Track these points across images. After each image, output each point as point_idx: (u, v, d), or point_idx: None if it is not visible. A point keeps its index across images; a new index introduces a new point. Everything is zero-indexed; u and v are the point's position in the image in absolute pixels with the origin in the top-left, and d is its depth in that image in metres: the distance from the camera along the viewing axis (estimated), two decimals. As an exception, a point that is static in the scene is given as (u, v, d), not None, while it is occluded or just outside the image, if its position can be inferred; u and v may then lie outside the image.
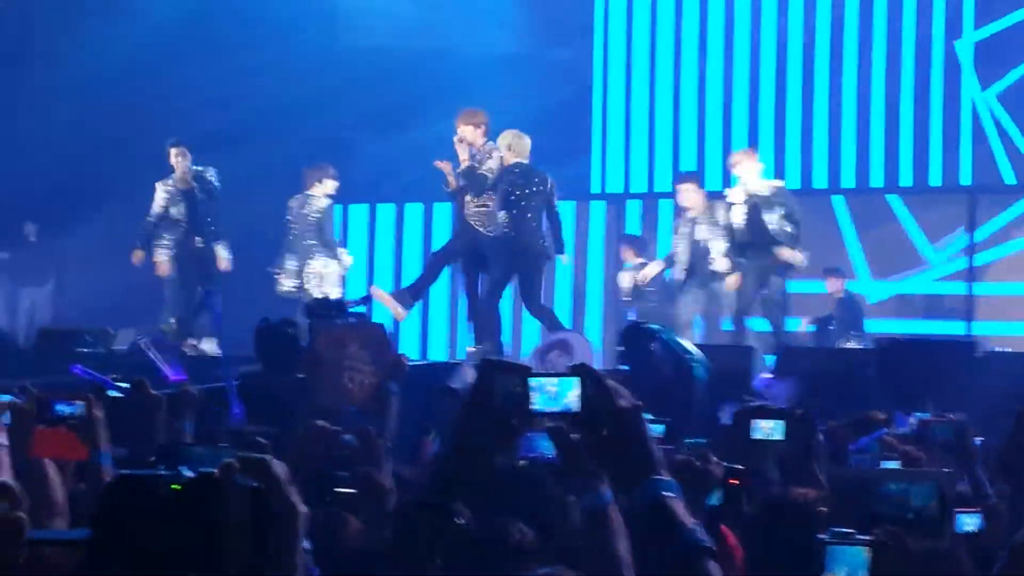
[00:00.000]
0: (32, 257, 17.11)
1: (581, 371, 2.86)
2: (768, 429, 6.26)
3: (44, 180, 15.61)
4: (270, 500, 2.37)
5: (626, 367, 10.70)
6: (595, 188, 18.00)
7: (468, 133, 13.00)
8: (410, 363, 8.12)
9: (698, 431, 8.53)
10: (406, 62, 17.81)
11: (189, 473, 2.30)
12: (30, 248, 17.29)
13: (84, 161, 14.01)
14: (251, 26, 18.00)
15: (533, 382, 2.87)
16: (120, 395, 5.92)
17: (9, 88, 17.28)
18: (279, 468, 2.46)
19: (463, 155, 12.89)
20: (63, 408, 4.74)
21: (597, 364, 11.96)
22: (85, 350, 11.86)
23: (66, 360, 10.95)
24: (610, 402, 2.81)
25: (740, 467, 4.69)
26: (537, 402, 2.86)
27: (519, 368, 2.94)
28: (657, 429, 6.08)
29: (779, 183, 13.79)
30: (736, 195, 13.45)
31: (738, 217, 13.33)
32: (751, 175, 13.41)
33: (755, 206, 13.27)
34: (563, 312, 17.03)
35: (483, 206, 12.90)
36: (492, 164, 12.88)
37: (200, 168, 14.08)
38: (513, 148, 13.08)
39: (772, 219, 13.20)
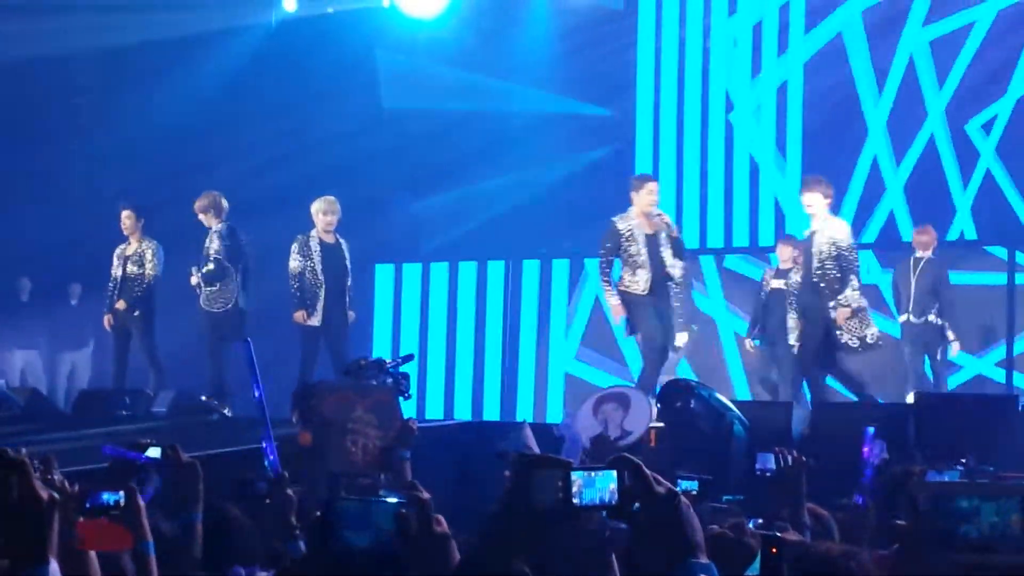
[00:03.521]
0: (72, 320, 17.24)
1: (618, 463, 2.93)
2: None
3: (87, 245, 15.75)
4: None
5: (661, 424, 10.69)
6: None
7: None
8: (419, 427, 8.01)
9: (737, 487, 8.47)
10: (448, 123, 17.89)
11: None
12: (71, 311, 17.43)
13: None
14: (294, 91, 18.13)
15: (574, 476, 2.90)
16: (152, 462, 5.85)
17: (54, 155, 17.47)
18: None
19: None
20: (105, 498, 4.74)
21: (653, 420, 12.05)
22: (124, 412, 11.97)
23: (105, 422, 11.05)
24: (648, 490, 2.88)
25: (778, 535, 4.60)
26: (578, 496, 2.90)
27: (558, 463, 2.97)
28: (690, 485, 6.05)
29: None
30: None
31: None
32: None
33: None
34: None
35: None
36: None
37: (143, 243, 14.29)
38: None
39: None
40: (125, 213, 14.26)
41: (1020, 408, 10.93)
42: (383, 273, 18.65)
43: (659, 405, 11.12)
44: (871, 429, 8.32)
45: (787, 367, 13.76)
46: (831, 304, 12.20)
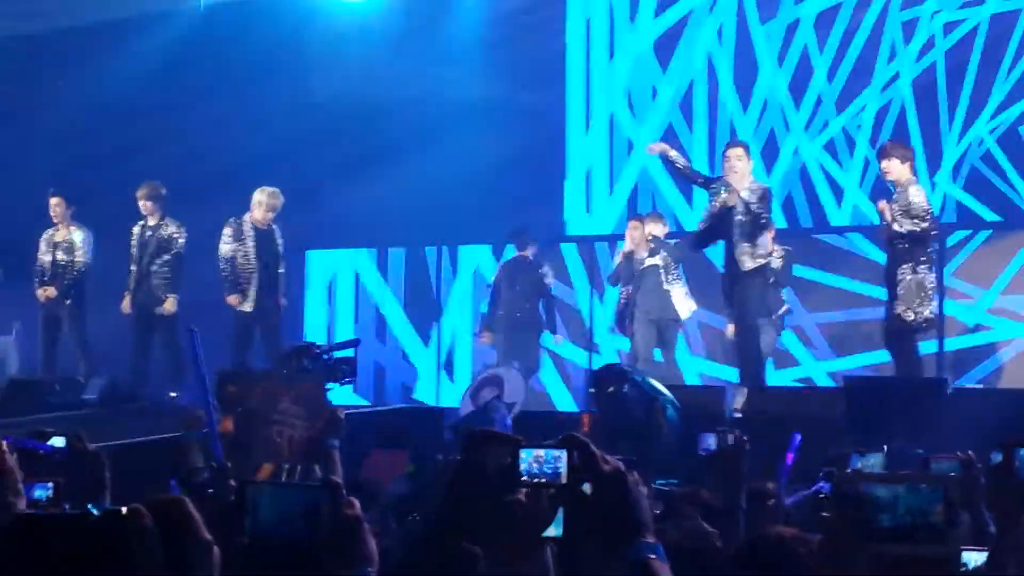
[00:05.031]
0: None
1: (567, 441, 2.92)
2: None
3: (16, 228, 15.58)
4: (182, 539, 2.36)
5: (595, 409, 10.73)
6: (571, 230, 17.93)
7: None
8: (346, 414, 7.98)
9: (669, 472, 8.52)
10: (380, 109, 17.84)
11: (95, 512, 2.28)
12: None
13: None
14: (225, 76, 18.02)
15: (523, 453, 2.93)
16: (52, 451, 5.75)
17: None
18: (192, 507, 2.45)
19: None
20: (37, 494, 4.70)
21: (526, 395, 12.07)
22: (55, 399, 11.86)
23: (35, 410, 10.95)
24: (595, 468, 2.86)
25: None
26: (526, 472, 2.93)
27: (510, 439, 2.99)
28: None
29: None
30: None
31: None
32: None
33: None
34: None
35: None
36: None
37: (72, 230, 14.19)
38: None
39: None
40: (54, 200, 14.14)
41: (949, 391, 11.09)
42: (315, 259, 18.59)
43: (592, 390, 11.18)
44: (799, 436, 8.20)
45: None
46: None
